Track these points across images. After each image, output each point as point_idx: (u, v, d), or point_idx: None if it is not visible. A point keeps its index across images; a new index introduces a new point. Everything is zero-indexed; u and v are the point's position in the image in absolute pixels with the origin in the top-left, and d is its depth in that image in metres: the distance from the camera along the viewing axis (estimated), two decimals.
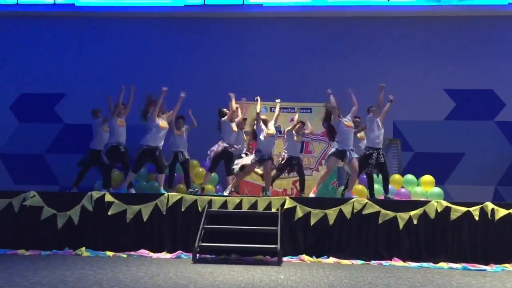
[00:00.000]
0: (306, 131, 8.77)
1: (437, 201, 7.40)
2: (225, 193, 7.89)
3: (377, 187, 8.49)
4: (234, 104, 8.54)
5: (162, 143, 8.21)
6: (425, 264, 6.94)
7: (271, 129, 8.19)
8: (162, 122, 8.22)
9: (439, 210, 7.26)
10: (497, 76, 11.26)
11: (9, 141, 11.72)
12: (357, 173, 7.92)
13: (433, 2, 11.56)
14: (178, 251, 7.24)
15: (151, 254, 7.21)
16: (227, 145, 8.25)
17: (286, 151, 8.53)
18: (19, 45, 12.09)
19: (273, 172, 8.42)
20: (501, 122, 11.12)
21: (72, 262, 6.43)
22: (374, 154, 7.97)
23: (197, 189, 8.20)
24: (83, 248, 7.28)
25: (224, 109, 8.70)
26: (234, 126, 8.51)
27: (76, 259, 6.76)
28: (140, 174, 8.82)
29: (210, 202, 7.43)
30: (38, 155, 11.59)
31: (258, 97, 8.40)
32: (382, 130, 8.21)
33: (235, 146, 8.38)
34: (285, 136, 8.81)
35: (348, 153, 7.78)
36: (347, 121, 7.94)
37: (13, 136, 11.75)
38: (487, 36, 11.47)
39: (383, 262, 7.00)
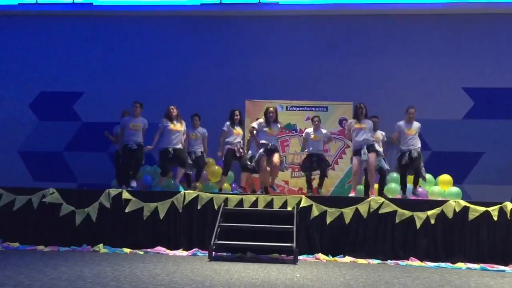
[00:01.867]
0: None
1: (455, 201, 7.32)
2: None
3: (394, 186, 8.45)
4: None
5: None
6: (442, 264, 6.88)
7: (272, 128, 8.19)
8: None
9: (457, 210, 7.18)
10: None
11: (29, 138, 11.89)
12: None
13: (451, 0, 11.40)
14: (194, 249, 7.29)
15: (168, 251, 7.27)
16: (230, 146, 8.35)
17: (307, 151, 8.55)
18: (38, 44, 12.25)
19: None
20: None
21: (90, 258, 6.51)
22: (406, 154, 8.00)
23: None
24: (101, 245, 7.37)
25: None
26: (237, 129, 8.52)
27: (94, 255, 6.85)
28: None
29: (226, 200, 7.46)
30: (57, 152, 11.74)
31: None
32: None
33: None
34: (303, 135, 8.79)
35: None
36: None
37: (33, 134, 11.91)
38: (506, 34, 11.28)
39: (400, 262, 6.95)
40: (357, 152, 7.92)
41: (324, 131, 8.62)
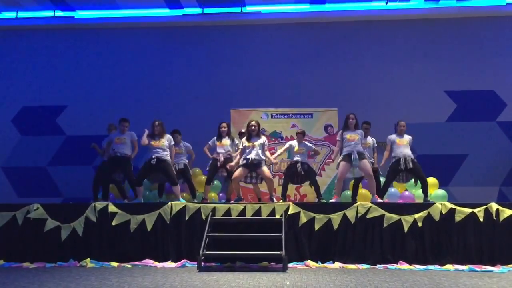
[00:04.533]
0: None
1: (442, 203, 7.37)
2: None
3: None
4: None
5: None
6: (431, 267, 6.91)
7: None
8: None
9: (443, 212, 7.23)
10: (497, 77, 11.28)
11: (12, 154, 11.76)
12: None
13: (432, 5, 11.60)
14: (183, 260, 7.22)
15: (156, 263, 7.20)
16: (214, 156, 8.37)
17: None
18: (20, 58, 12.17)
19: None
20: (503, 122, 11.12)
21: (77, 273, 6.41)
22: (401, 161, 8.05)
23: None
24: (88, 259, 7.26)
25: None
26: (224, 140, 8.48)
27: (81, 270, 6.75)
28: (144, 183, 8.82)
29: (213, 210, 7.42)
30: (41, 167, 11.62)
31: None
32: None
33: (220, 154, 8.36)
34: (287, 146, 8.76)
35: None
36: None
37: (16, 149, 11.79)
38: (486, 37, 11.50)
39: (389, 266, 6.96)
40: (345, 159, 7.90)
41: (307, 144, 8.58)
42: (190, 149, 8.99)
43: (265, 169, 7.94)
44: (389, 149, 8.29)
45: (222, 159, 8.28)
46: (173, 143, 8.26)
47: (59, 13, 12.17)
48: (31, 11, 12.14)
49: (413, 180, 8.34)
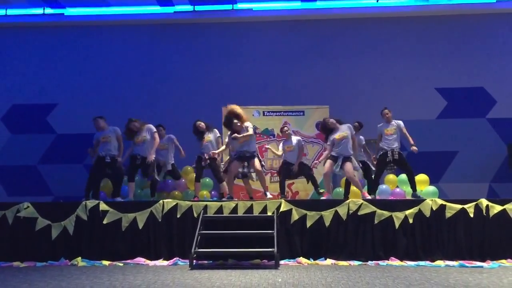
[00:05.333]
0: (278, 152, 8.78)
1: (432, 200, 7.42)
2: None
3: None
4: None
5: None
6: (422, 263, 6.95)
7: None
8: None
9: (434, 209, 7.28)
10: (487, 74, 11.36)
11: (1, 153, 11.66)
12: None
13: (422, 2, 11.65)
14: (175, 258, 7.20)
15: (148, 261, 7.17)
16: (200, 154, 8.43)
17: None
18: (9, 56, 12.07)
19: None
20: (492, 119, 11.20)
21: (68, 272, 6.37)
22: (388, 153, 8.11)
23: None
24: (79, 258, 7.22)
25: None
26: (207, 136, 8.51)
27: (72, 269, 6.71)
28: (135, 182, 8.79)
29: (205, 208, 7.41)
30: (31, 166, 11.54)
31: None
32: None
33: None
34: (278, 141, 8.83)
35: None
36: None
37: (5, 147, 11.70)
38: (476, 34, 11.57)
39: (380, 262, 7.00)
40: (331, 158, 7.94)
41: (295, 140, 8.53)
42: (174, 140, 8.91)
43: (256, 161, 8.00)
44: (379, 139, 8.33)
45: (207, 156, 8.28)
46: (154, 130, 8.29)
47: (49, 11, 12.08)
48: (21, 8, 12.04)
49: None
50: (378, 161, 8.32)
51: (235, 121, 8.01)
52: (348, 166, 7.84)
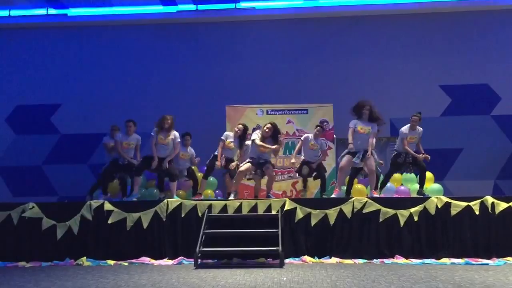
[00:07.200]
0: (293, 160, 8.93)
1: (437, 197, 7.39)
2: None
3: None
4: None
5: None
6: (427, 261, 6.92)
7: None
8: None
9: (439, 206, 7.25)
10: (492, 71, 11.30)
11: (6, 153, 11.69)
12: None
13: None
14: (180, 257, 7.21)
15: (153, 261, 7.18)
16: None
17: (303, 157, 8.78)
18: (13, 57, 12.09)
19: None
20: (497, 116, 11.15)
21: (73, 272, 6.39)
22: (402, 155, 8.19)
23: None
24: (84, 258, 7.23)
25: None
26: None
27: (77, 269, 6.72)
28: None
29: (210, 207, 7.41)
30: (36, 166, 11.57)
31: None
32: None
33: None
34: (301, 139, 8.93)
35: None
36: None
37: (10, 148, 11.73)
38: (480, 31, 11.51)
39: (386, 260, 6.98)
40: (351, 153, 7.90)
41: (322, 141, 8.89)
42: (193, 156, 9.03)
43: (270, 167, 8.04)
44: (402, 143, 8.28)
45: (232, 168, 8.41)
46: (178, 140, 8.31)
47: (52, 11, 12.10)
48: (24, 9, 12.07)
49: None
50: (393, 162, 8.34)
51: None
52: (371, 160, 7.85)
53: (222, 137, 8.66)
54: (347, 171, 8.16)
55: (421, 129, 8.37)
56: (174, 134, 8.28)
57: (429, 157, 8.26)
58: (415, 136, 8.29)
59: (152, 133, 8.18)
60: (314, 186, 9.35)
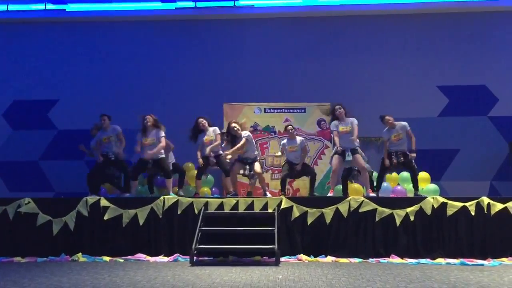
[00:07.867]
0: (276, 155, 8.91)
1: (433, 197, 7.41)
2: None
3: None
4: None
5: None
6: (423, 261, 6.95)
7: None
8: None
9: (435, 206, 7.27)
10: (489, 72, 11.30)
11: (3, 148, 11.65)
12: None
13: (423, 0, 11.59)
14: (176, 254, 7.21)
15: (148, 258, 7.18)
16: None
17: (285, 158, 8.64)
18: (10, 52, 12.03)
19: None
20: (494, 117, 11.15)
21: (68, 268, 6.38)
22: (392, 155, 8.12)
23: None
24: (80, 254, 7.24)
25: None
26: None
27: (72, 265, 6.72)
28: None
29: (206, 204, 7.41)
30: (33, 161, 11.53)
31: None
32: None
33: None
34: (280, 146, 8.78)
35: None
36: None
37: (7, 143, 11.68)
38: (478, 32, 11.52)
39: (381, 260, 7.00)
40: (339, 153, 7.93)
41: (298, 140, 8.49)
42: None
43: (257, 165, 8.09)
44: (386, 145, 8.29)
45: (213, 154, 8.24)
46: (163, 135, 8.21)
47: (50, 6, 12.04)
48: (22, 4, 12.00)
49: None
50: (383, 162, 8.28)
51: (234, 126, 8.12)
52: (358, 157, 7.92)
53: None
54: (339, 172, 8.20)
55: (403, 123, 8.23)
56: (157, 130, 8.19)
57: (415, 155, 8.22)
58: (399, 133, 8.15)
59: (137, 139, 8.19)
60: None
